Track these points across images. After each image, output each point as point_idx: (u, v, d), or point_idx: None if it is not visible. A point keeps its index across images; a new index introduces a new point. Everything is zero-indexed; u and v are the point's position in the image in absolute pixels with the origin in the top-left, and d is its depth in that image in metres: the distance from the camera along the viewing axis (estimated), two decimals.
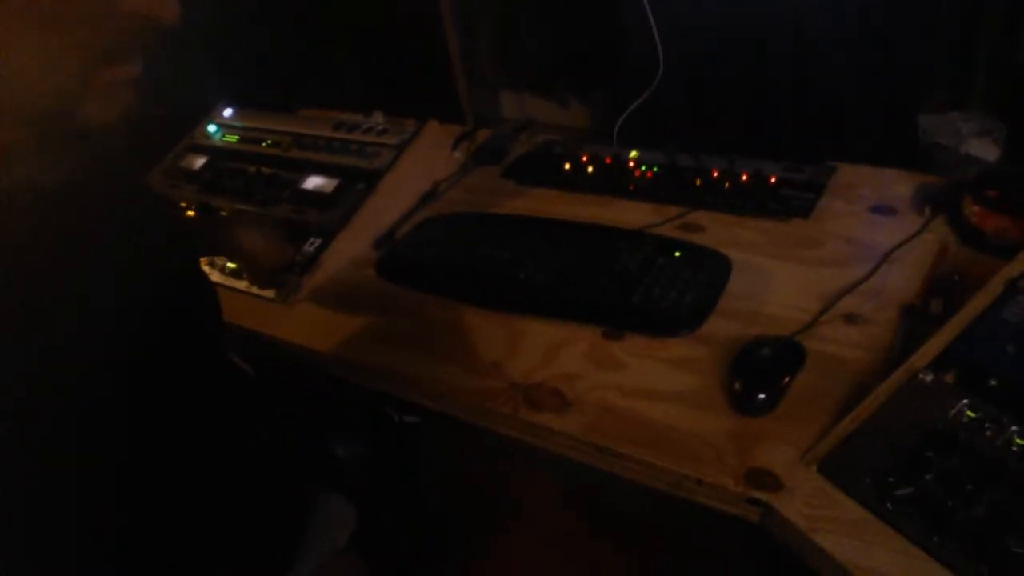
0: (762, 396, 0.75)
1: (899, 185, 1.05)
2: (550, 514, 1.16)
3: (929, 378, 0.70)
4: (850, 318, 0.84)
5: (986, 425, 0.65)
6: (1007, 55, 1.23)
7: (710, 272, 0.92)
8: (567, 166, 1.21)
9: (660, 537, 1.08)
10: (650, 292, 0.89)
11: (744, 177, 1.09)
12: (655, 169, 1.16)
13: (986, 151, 1.30)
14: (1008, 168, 1.02)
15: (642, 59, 1.39)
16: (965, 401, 0.67)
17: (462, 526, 1.14)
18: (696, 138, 1.32)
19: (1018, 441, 0.63)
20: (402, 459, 1.15)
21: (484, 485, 1.18)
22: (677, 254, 0.95)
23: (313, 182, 1.17)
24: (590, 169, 1.20)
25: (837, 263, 0.93)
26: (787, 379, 0.76)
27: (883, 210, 1.00)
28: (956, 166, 1.32)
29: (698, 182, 1.11)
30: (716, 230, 1.03)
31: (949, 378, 0.70)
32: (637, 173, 1.16)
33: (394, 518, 1.04)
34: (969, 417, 0.66)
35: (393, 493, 1.09)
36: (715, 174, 1.11)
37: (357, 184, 1.15)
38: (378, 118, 1.28)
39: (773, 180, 1.08)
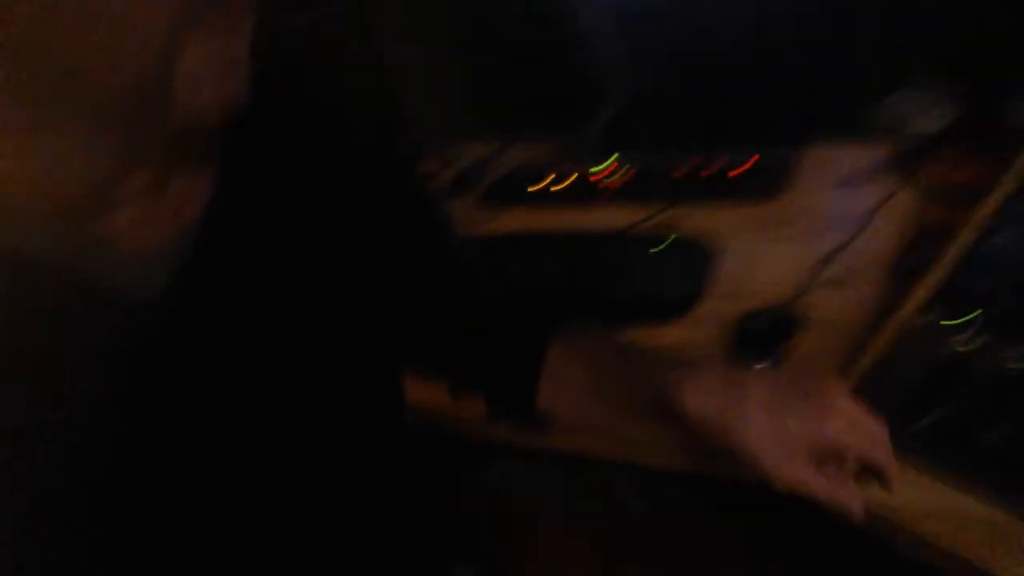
0: (762, 365, 0.76)
1: (860, 158, 1.08)
2: None
3: (922, 320, 0.71)
4: (839, 282, 0.86)
5: (989, 353, 0.66)
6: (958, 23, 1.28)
7: (695, 259, 0.93)
8: (543, 182, 1.23)
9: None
10: (641, 285, 0.90)
11: (716, 168, 1.12)
12: (628, 173, 1.18)
13: (936, 124, 1.35)
14: (969, 125, 1.05)
15: (600, 79, 1.42)
16: (965, 334, 0.68)
17: None
18: (666, 137, 1.35)
19: (1013, 364, 0.65)
20: None
21: None
22: (660, 248, 0.96)
23: None
24: (565, 181, 1.22)
25: (815, 235, 0.95)
26: (783, 348, 0.77)
27: (853, 181, 1.03)
28: (906, 139, 1.36)
29: (673, 178, 1.13)
30: (696, 221, 1.05)
31: (941, 317, 0.71)
32: (611, 179, 1.18)
33: None
34: (970, 348, 0.67)
35: None
36: (687, 170, 1.14)
37: None
38: None
39: (743, 168, 1.10)
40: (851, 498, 0.55)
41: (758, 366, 0.75)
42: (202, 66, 0.34)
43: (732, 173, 1.10)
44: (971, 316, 0.69)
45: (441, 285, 0.68)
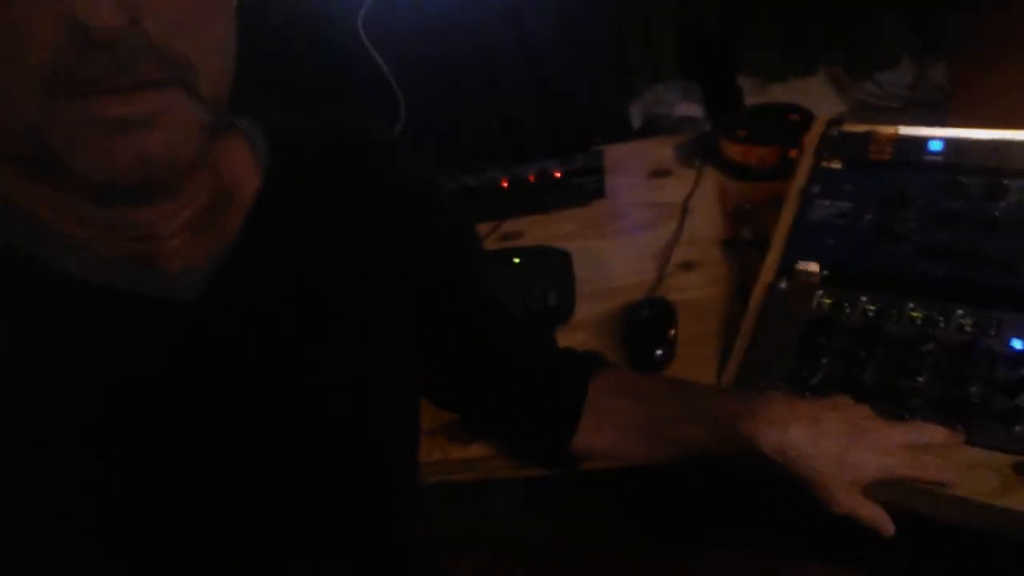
0: (660, 352, 0.82)
1: (659, 150, 1.19)
2: None
3: (783, 285, 0.82)
4: (687, 265, 0.95)
5: (844, 304, 0.78)
6: (686, 28, 1.46)
7: (555, 267, 0.97)
8: None
9: None
10: (514, 302, 0.92)
11: (532, 178, 1.17)
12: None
13: (692, 110, 1.53)
14: (747, 110, 1.21)
15: (380, 103, 1.41)
16: (819, 292, 0.80)
17: None
18: (454, 160, 1.38)
19: (870, 307, 0.77)
20: None
21: None
22: (516, 261, 0.99)
23: None
24: None
25: (648, 226, 1.04)
26: (672, 331, 0.84)
27: (660, 173, 1.14)
28: (674, 128, 1.53)
29: (497, 192, 1.16)
30: (533, 231, 1.09)
31: (796, 279, 0.82)
32: None
33: None
34: (827, 304, 0.79)
35: None
36: (505, 183, 1.17)
37: None
38: None
39: (558, 174, 1.16)
40: (888, 522, 0.61)
41: (658, 352, 0.81)
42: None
43: (553, 178, 1.15)
44: (818, 273, 0.81)
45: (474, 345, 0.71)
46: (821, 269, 0.82)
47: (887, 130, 0.92)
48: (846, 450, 0.60)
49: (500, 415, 0.74)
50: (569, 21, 1.46)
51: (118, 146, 0.41)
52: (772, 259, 0.85)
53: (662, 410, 0.67)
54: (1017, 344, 0.69)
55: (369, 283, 0.60)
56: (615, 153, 1.20)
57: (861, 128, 0.94)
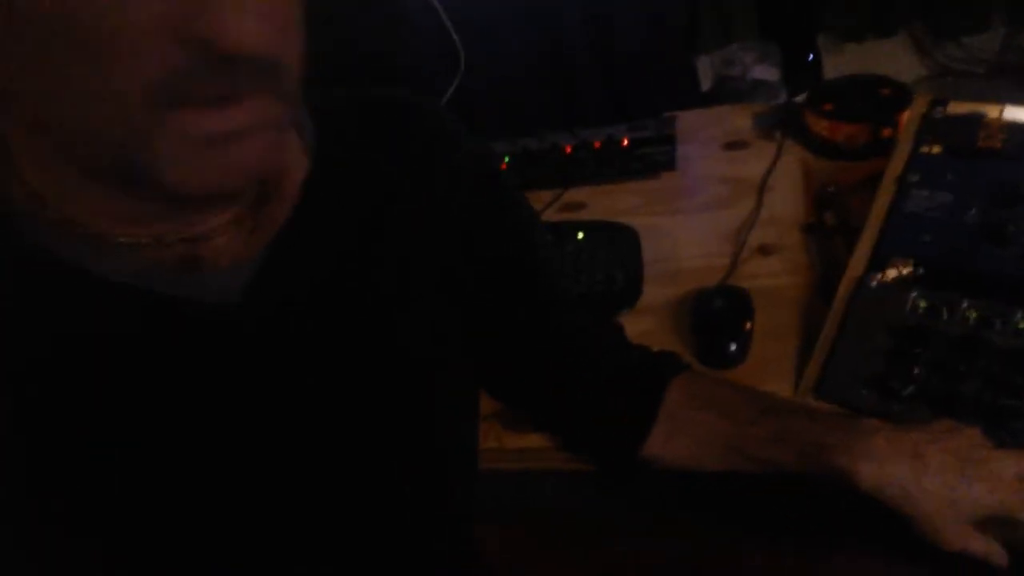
0: (734, 346, 0.77)
1: (735, 119, 1.12)
2: None
3: (874, 282, 0.75)
4: (764, 250, 0.89)
5: (941, 308, 0.71)
6: None
7: (622, 244, 0.92)
8: None
9: None
10: (577, 281, 0.87)
11: (597, 145, 1.10)
12: (507, 159, 1.14)
13: (769, 74, 1.44)
14: (833, 81, 1.13)
15: (440, 60, 1.35)
16: (914, 293, 0.73)
17: None
18: (512, 122, 1.32)
19: (971, 313, 0.70)
20: None
21: None
22: (580, 236, 0.94)
23: None
24: None
25: (722, 204, 0.98)
26: (748, 324, 0.78)
27: (736, 145, 1.06)
28: (748, 92, 1.44)
29: (560, 158, 1.10)
30: (597, 203, 1.03)
31: (888, 277, 0.75)
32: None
33: None
34: (923, 307, 0.72)
35: None
36: (568, 150, 1.11)
37: None
38: None
39: (626, 142, 1.10)
40: (1001, 554, 0.56)
41: (732, 347, 0.76)
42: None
43: (621, 147, 1.09)
44: (912, 271, 0.75)
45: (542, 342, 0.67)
46: (917, 267, 0.75)
47: (996, 115, 0.84)
48: (953, 487, 0.55)
49: (564, 415, 0.70)
50: None
51: (217, 158, 0.38)
52: (862, 251, 0.78)
53: (747, 429, 0.62)
54: None
55: (422, 269, 0.57)
56: (687, 121, 1.13)
57: (967, 109, 0.86)
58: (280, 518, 0.51)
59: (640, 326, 0.82)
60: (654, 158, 1.06)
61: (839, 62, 1.58)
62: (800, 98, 1.04)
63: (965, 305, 0.71)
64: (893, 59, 1.62)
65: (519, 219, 0.66)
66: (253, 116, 0.38)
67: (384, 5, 1.29)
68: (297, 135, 0.52)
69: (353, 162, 0.54)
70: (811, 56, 1.54)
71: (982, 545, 0.56)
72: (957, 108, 0.87)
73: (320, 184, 0.51)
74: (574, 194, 1.05)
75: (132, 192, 0.41)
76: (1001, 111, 0.84)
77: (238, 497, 0.49)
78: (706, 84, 1.54)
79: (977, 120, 0.83)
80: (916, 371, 0.68)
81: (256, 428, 0.49)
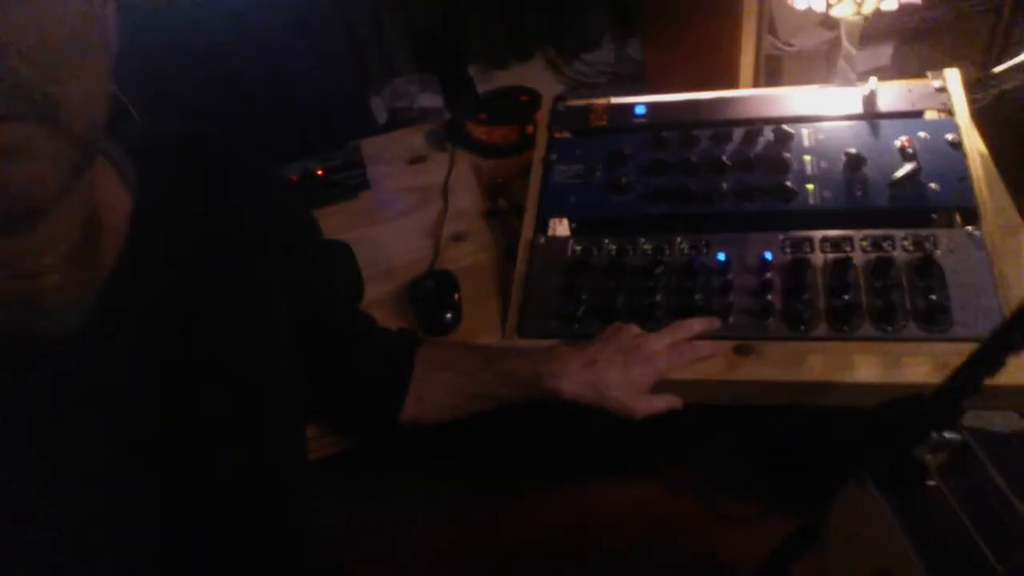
0: (449, 315, 0.92)
1: (412, 139, 1.28)
2: None
3: (541, 240, 0.95)
4: (457, 237, 1.06)
5: (591, 248, 0.93)
6: (414, 24, 1.57)
7: (337, 258, 1.02)
8: None
9: None
10: None
11: (296, 179, 1.20)
12: None
13: (433, 101, 1.64)
14: (483, 95, 1.33)
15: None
16: (571, 241, 0.94)
17: None
18: None
19: (612, 247, 0.92)
20: None
21: None
22: None
23: None
24: None
25: (415, 209, 1.13)
26: (457, 296, 0.94)
27: (417, 160, 1.23)
28: (418, 119, 1.63)
29: None
30: None
31: (551, 234, 0.96)
32: None
33: None
34: (579, 250, 0.93)
35: None
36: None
37: None
38: None
39: (320, 172, 1.21)
40: (675, 399, 0.78)
41: (447, 316, 0.91)
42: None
43: (316, 176, 1.20)
44: (568, 226, 0.96)
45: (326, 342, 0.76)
46: (570, 222, 0.97)
47: (601, 101, 1.09)
48: (624, 372, 0.75)
49: (330, 396, 0.79)
50: (300, 25, 1.50)
51: None
52: (529, 220, 0.98)
53: (477, 377, 0.78)
54: (721, 256, 0.88)
55: (247, 289, 0.62)
56: (371, 146, 1.27)
57: (581, 102, 1.10)
58: (128, 541, 0.54)
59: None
60: (348, 182, 1.19)
61: (490, 86, 1.85)
62: (459, 112, 1.23)
63: (607, 242, 0.93)
64: (535, 79, 1.93)
65: (311, 232, 0.76)
66: (13, 139, 0.40)
67: None
68: (115, 173, 0.55)
69: (174, 194, 0.58)
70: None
71: (661, 402, 0.77)
72: (575, 102, 1.11)
73: (145, 217, 0.55)
74: None
75: None
76: (608, 99, 1.10)
77: (86, 525, 0.51)
78: (382, 118, 1.71)
79: (588, 107, 1.08)
80: (584, 297, 0.88)
81: (98, 457, 0.51)
